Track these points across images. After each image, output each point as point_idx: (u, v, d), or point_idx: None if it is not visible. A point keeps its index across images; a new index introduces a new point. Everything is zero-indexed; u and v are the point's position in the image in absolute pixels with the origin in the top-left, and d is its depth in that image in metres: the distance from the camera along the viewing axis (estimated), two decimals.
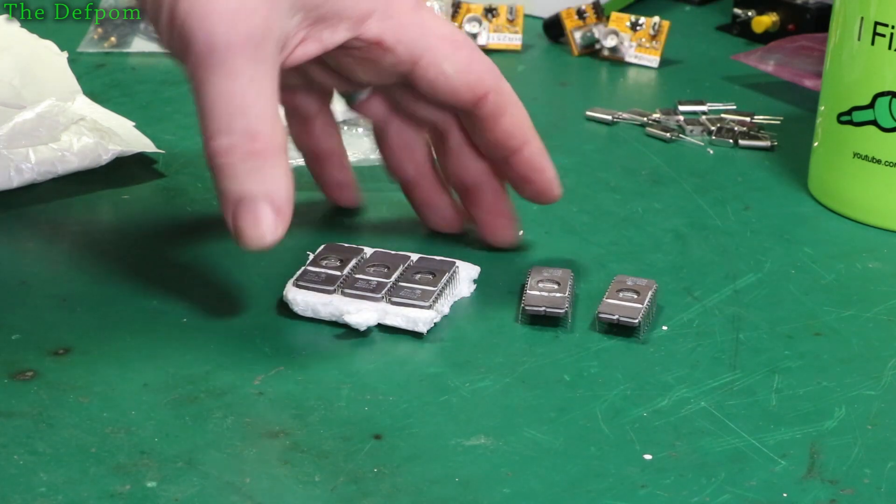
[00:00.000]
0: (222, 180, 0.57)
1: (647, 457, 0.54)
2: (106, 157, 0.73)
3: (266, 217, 0.57)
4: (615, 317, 0.62)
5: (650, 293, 0.63)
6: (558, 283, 0.63)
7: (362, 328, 0.61)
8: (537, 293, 0.63)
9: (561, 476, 0.53)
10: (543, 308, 0.62)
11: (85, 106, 0.76)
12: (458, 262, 0.65)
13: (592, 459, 0.54)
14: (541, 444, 0.55)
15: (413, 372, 0.59)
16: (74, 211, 0.70)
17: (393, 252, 0.65)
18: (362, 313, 0.61)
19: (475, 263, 0.65)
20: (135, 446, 0.53)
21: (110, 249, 0.67)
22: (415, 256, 0.65)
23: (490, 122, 0.64)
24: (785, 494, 0.52)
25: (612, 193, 0.76)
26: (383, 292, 0.62)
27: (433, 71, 0.62)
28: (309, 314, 0.62)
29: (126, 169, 0.74)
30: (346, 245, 0.65)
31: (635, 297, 0.63)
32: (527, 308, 0.62)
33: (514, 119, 0.64)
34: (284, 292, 0.62)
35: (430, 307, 0.61)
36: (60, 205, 0.71)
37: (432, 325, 0.61)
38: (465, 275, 0.65)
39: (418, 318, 0.61)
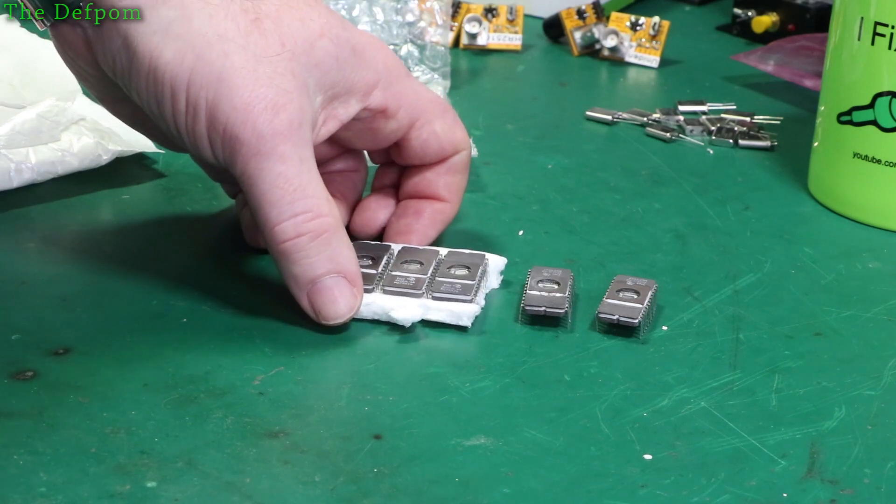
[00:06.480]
0: (292, 264, 0.60)
1: (647, 457, 0.54)
2: (106, 157, 0.73)
3: (343, 292, 0.60)
4: (615, 317, 0.62)
5: (650, 293, 0.63)
6: (558, 283, 0.63)
7: (407, 324, 0.61)
8: (537, 293, 0.63)
9: (561, 476, 0.53)
10: (543, 308, 0.62)
11: (85, 106, 0.75)
12: (487, 255, 0.65)
13: (592, 459, 0.54)
14: (541, 444, 0.55)
15: (413, 372, 0.59)
16: (74, 211, 0.70)
17: (421, 247, 0.65)
18: (407, 309, 0.61)
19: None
20: (135, 446, 0.53)
21: (110, 249, 0.67)
22: (443, 251, 0.65)
23: (451, 174, 0.67)
24: (785, 494, 0.52)
25: (612, 193, 0.76)
26: (423, 287, 0.62)
27: (426, 131, 0.66)
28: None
29: (126, 169, 0.74)
30: (373, 242, 0.66)
31: (635, 297, 0.63)
32: (527, 308, 0.62)
33: (466, 176, 0.68)
34: None
35: (472, 300, 0.62)
36: (60, 205, 0.71)
37: (474, 318, 0.62)
38: (494, 266, 0.65)
39: (462, 312, 0.61)
